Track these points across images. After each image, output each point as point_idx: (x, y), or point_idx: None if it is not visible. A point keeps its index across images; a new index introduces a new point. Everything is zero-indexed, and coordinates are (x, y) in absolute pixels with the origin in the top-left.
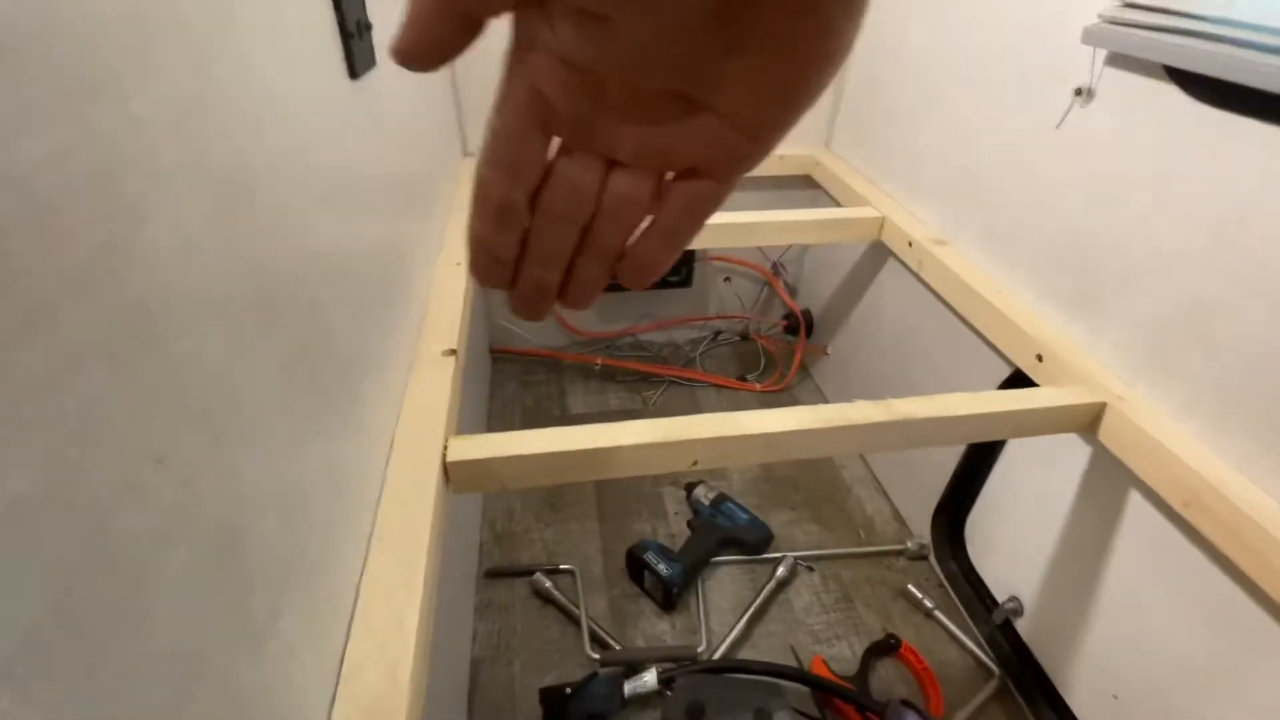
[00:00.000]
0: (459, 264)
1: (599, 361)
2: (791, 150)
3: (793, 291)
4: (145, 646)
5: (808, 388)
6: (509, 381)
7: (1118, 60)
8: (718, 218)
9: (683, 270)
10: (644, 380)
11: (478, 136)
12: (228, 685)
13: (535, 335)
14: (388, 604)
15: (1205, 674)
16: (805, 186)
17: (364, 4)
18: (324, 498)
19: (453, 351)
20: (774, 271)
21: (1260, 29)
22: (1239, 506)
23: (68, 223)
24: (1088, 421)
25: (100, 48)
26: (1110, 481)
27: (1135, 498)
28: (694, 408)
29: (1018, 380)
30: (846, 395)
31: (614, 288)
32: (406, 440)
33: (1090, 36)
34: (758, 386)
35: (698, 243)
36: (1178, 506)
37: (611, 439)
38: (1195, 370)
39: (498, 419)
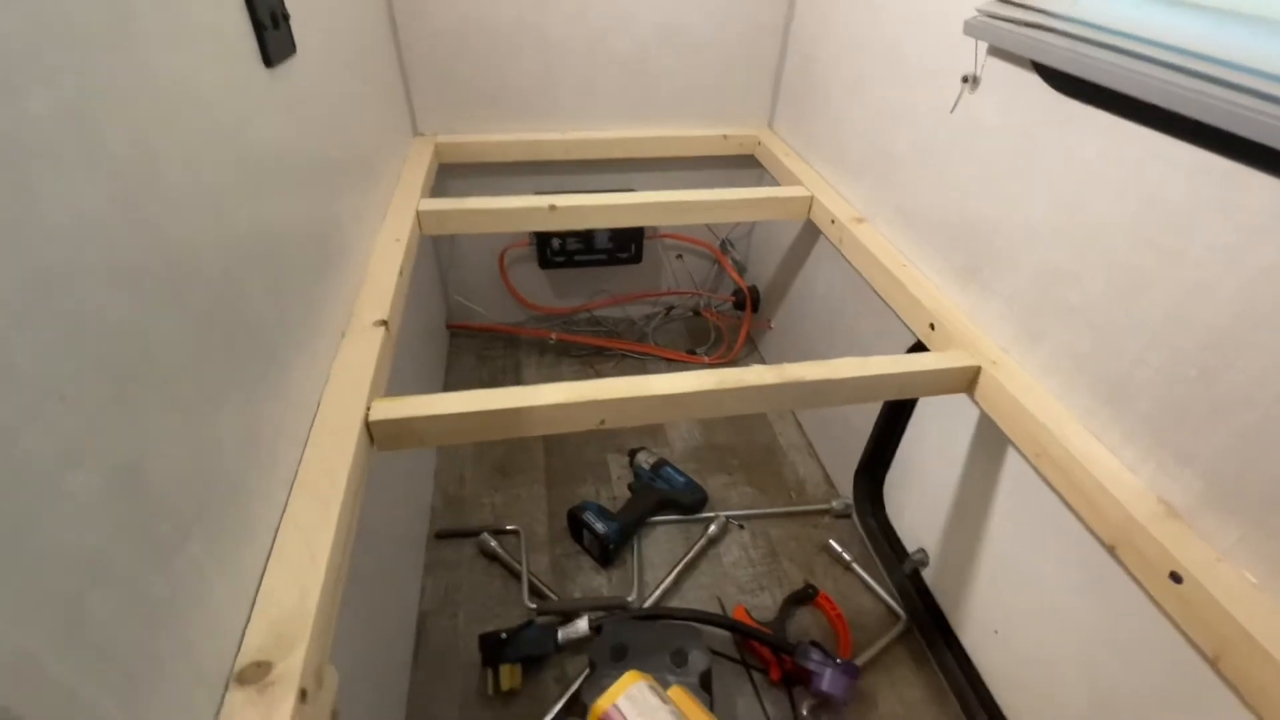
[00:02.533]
0: (398, 240)
1: (553, 336)
2: (735, 130)
3: (741, 268)
4: (49, 542)
5: (753, 360)
6: (466, 356)
7: (996, 51)
8: (656, 196)
9: (631, 247)
10: (597, 354)
11: (428, 117)
12: (133, 587)
13: (492, 311)
14: (303, 541)
15: (1063, 606)
16: (751, 165)
17: None
18: (236, 447)
19: (383, 322)
20: (722, 249)
21: (1098, 28)
22: (1075, 456)
23: None
24: (965, 383)
25: None
26: (990, 439)
27: (1010, 453)
28: None
29: (919, 348)
30: None
31: (568, 264)
32: (332, 402)
33: (970, 29)
34: (706, 360)
35: (644, 219)
36: (1031, 457)
37: (524, 400)
38: (1054, 336)
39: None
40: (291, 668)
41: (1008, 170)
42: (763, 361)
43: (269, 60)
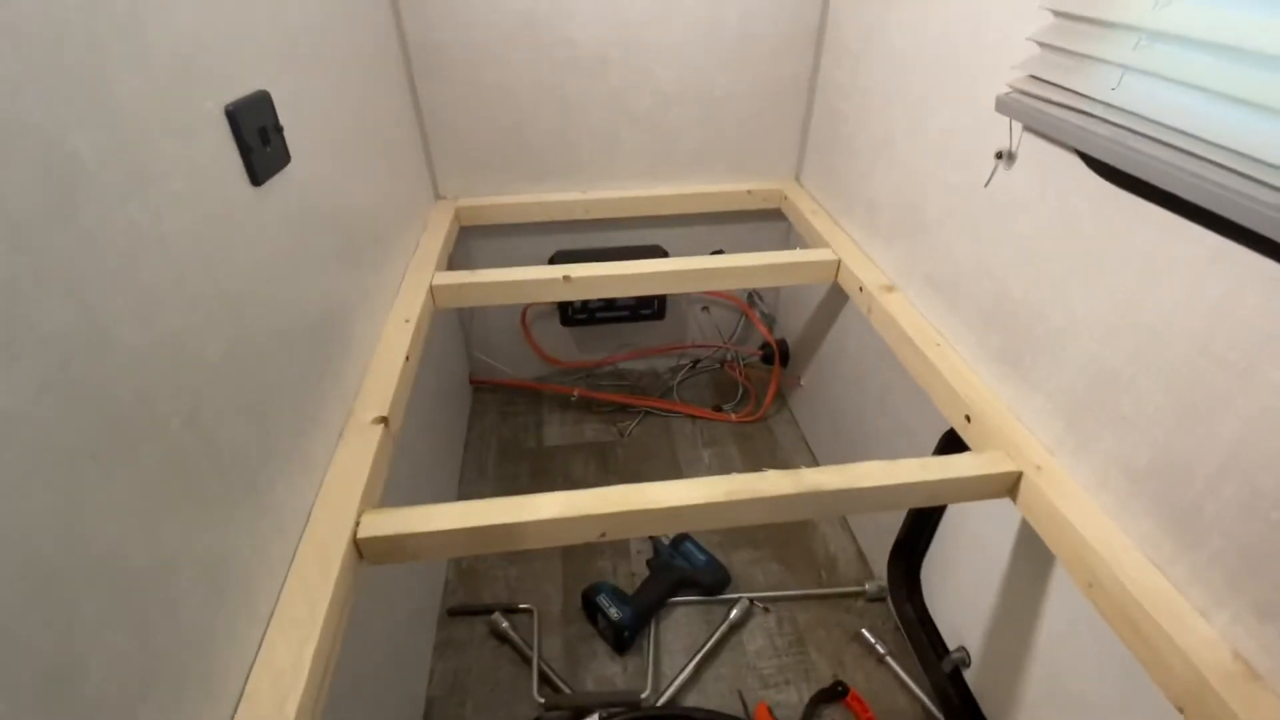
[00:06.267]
0: (408, 320)
1: (575, 393)
2: (760, 185)
3: (770, 320)
4: None
5: (783, 418)
6: (489, 412)
7: (1033, 130)
8: (674, 264)
9: (654, 304)
10: (621, 411)
11: (449, 181)
12: None
13: (515, 366)
14: (273, 688)
15: None
16: (779, 218)
17: (274, 110)
18: (198, 600)
19: (383, 419)
20: (750, 301)
21: (1145, 119)
22: (1133, 594)
23: None
24: (1005, 489)
25: None
26: (1037, 548)
27: (1059, 569)
28: (668, 439)
29: (955, 435)
30: (818, 428)
31: (590, 321)
32: (322, 516)
33: (1001, 106)
34: (733, 417)
35: (663, 287)
36: (1082, 587)
37: (521, 514)
38: (1105, 444)
39: (474, 450)
40: None
41: (1049, 253)
42: (794, 419)
43: (256, 179)
